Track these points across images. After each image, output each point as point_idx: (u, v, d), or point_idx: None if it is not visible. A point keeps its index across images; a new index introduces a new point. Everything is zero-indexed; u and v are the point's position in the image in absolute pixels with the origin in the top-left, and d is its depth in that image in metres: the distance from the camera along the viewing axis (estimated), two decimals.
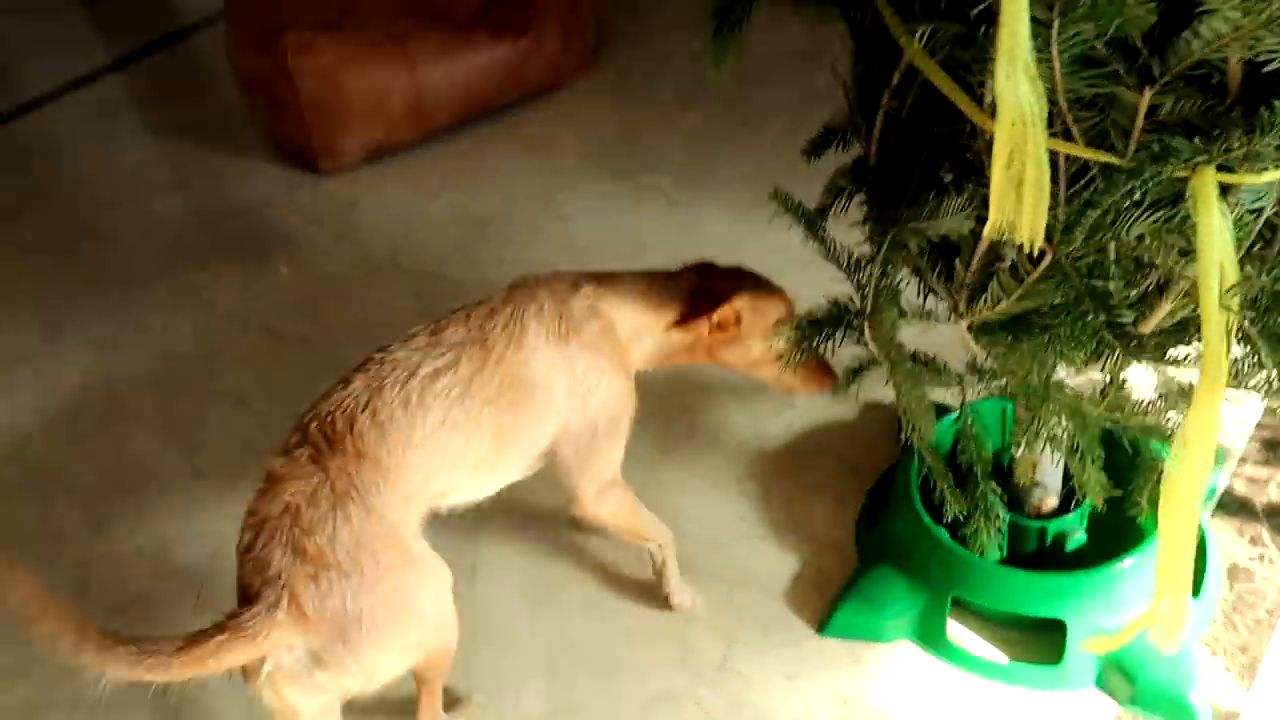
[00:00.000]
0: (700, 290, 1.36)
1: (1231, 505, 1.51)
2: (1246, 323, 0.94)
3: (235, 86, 3.09)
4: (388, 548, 1.16)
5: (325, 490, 1.15)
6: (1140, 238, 0.92)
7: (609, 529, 1.46)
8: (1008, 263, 1.01)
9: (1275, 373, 1.01)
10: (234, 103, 3.12)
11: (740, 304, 1.34)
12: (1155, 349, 1.05)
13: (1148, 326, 1.03)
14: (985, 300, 1.05)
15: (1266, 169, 0.82)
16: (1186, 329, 1.04)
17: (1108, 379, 1.09)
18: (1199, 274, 0.85)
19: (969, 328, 1.10)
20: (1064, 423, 1.08)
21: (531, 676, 1.49)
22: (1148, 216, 0.87)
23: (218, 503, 1.75)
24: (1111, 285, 0.96)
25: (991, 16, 0.76)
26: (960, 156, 0.97)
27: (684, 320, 1.35)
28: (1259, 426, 1.63)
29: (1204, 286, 0.86)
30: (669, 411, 1.91)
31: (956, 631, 1.42)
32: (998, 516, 1.26)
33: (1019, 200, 0.77)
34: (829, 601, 1.49)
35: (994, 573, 1.37)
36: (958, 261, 1.05)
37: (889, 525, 1.53)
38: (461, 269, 2.46)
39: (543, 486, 1.72)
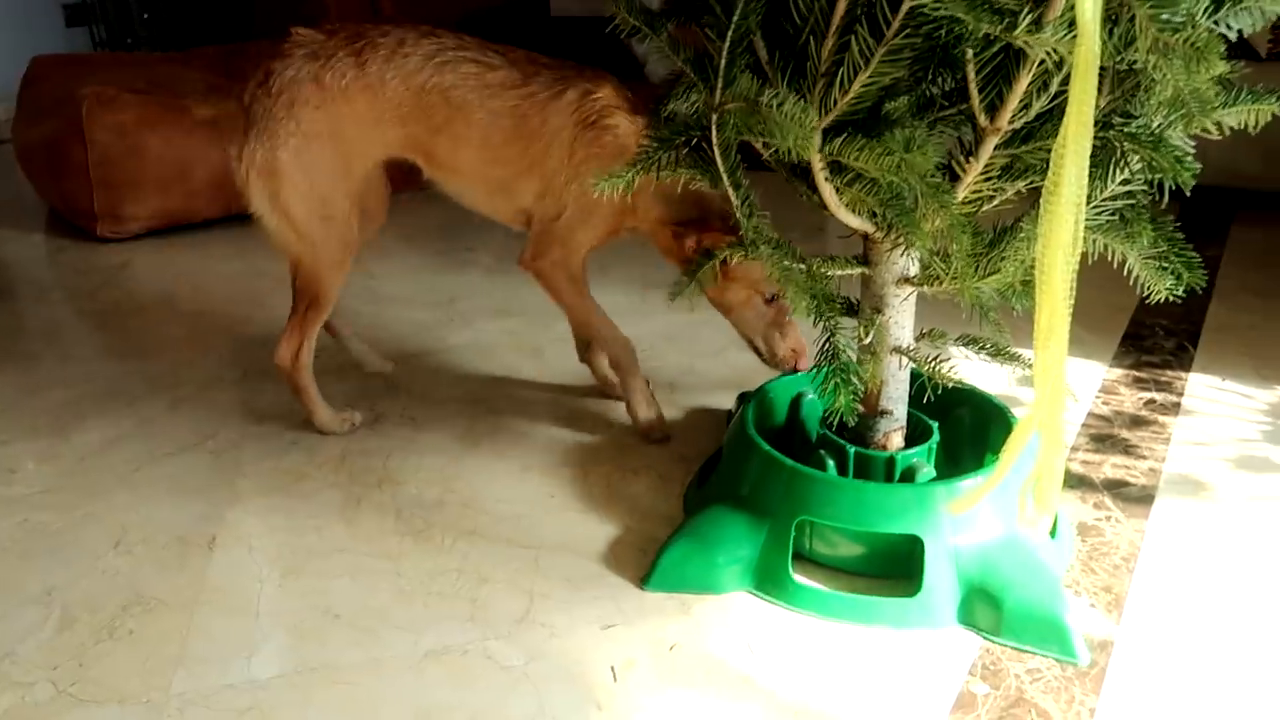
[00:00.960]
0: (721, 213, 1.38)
1: (1072, 480, 1.43)
2: None
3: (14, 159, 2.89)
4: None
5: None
6: None
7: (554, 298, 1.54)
8: (865, 30, 0.95)
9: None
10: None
11: (709, 240, 1.35)
12: (1008, 147, 0.99)
13: (1002, 118, 0.97)
14: (840, 83, 0.98)
15: None
16: (1041, 132, 0.99)
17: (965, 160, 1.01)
18: None
19: (824, 137, 1.01)
20: (933, 219, 0.98)
21: (270, 639, 1.15)
22: None
23: None
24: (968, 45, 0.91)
25: None
26: None
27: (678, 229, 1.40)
28: (1085, 425, 1.60)
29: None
30: (473, 414, 1.69)
31: (802, 575, 1.21)
32: (855, 376, 1.12)
33: None
34: (654, 557, 1.25)
35: (843, 487, 1.20)
36: (811, 45, 0.99)
37: (723, 470, 1.34)
38: (250, 309, 2.21)
39: (307, 460, 1.54)
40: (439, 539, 1.34)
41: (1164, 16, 0.76)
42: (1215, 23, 0.94)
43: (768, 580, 1.20)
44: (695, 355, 1.89)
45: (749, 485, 1.26)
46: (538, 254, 1.50)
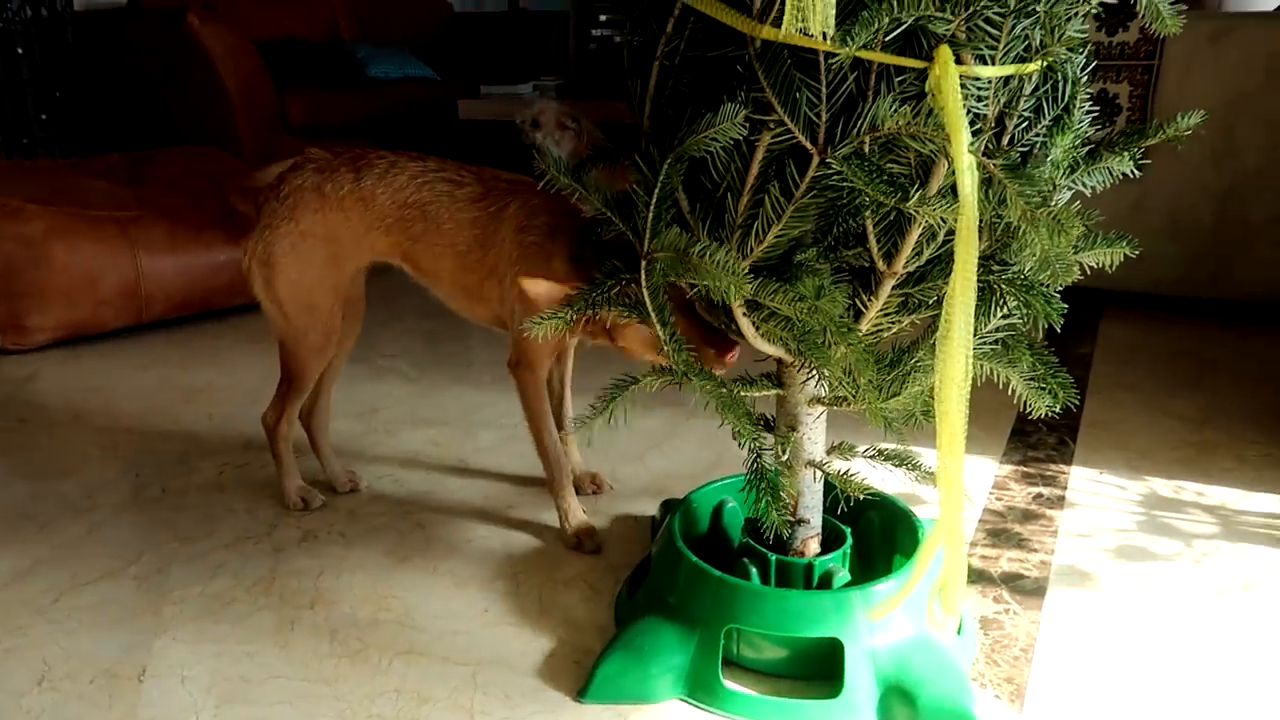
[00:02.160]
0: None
1: (973, 575, 1.54)
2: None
3: None
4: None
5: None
6: (889, 146, 1.02)
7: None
8: (777, 190, 1.07)
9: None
10: None
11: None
12: (903, 288, 1.11)
13: (898, 265, 1.10)
14: (755, 234, 1.09)
15: (992, 60, 0.96)
16: (932, 275, 1.12)
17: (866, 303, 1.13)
18: (953, 155, 0.95)
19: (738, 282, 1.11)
20: (840, 349, 1.09)
21: None
22: (902, 109, 0.97)
23: None
24: (866, 197, 1.03)
25: None
26: (733, 71, 1.05)
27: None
28: (981, 521, 1.72)
29: (959, 168, 0.95)
30: (403, 528, 1.72)
31: (731, 680, 1.27)
32: (782, 497, 1.21)
33: None
34: (590, 670, 1.30)
35: (768, 596, 1.28)
36: (729, 199, 1.10)
37: (653, 581, 1.41)
38: (164, 422, 2.20)
39: (236, 582, 1.54)
40: (376, 659, 1.36)
41: (1028, 192, 0.89)
42: (1072, 182, 1.10)
43: (700, 688, 1.26)
44: (616, 461, 1.97)
45: (678, 595, 1.33)
46: (512, 358, 1.64)
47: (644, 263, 1.11)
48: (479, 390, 2.38)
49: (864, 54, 0.94)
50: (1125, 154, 1.10)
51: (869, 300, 1.13)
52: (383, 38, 6.17)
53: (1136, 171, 1.10)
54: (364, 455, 2.03)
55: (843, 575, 1.35)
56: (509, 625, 1.44)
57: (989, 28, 0.94)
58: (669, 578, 1.36)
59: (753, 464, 1.23)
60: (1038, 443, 2.04)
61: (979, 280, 1.02)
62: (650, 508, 1.76)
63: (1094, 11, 1.02)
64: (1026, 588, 1.52)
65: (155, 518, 1.77)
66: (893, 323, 1.16)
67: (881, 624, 1.25)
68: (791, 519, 1.36)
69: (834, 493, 1.34)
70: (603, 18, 6.85)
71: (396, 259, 1.67)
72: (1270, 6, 2.99)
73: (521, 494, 1.84)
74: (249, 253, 1.65)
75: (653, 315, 1.14)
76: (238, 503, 1.82)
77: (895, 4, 0.87)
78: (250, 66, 4.79)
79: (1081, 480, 1.88)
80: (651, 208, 1.09)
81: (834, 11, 0.85)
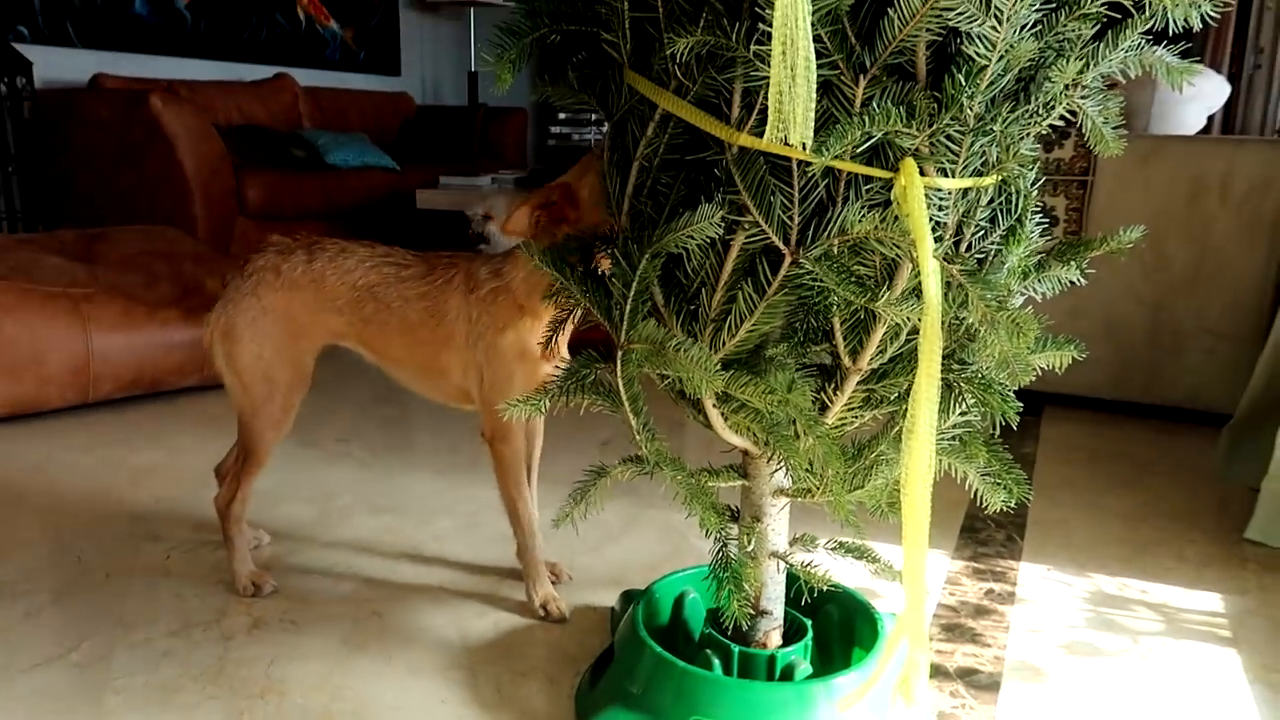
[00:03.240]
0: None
1: (930, 670, 1.56)
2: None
3: None
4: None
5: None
6: (856, 249, 1.08)
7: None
8: (750, 287, 1.11)
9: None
10: None
11: (569, 179, 1.50)
12: (867, 383, 1.16)
13: (863, 361, 1.15)
14: (728, 328, 1.13)
15: (953, 173, 1.03)
16: (894, 372, 1.17)
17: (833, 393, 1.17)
18: (919, 259, 1.01)
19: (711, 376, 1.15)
20: (807, 440, 1.12)
21: None
22: (869, 215, 1.04)
23: None
24: (834, 298, 1.09)
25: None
26: (710, 174, 1.11)
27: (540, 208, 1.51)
28: (936, 616, 1.75)
29: (924, 272, 1.01)
30: (358, 615, 1.69)
31: None
32: (745, 587, 1.22)
33: (792, 100, 0.90)
34: None
35: (731, 687, 1.28)
36: (703, 294, 1.14)
37: (615, 671, 1.40)
38: (108, 504, 2.14)
39: (183, 671, 1.46)
40: None
41: (988, 296, 0.95)
42: (1025, 288, 1.16)
43: None
44: (574, 552, 1.96)
45: (641, 685, 1.33)
46: (486, 431, 1.68)
47: (620, 353, 1.15)
48: (434, 476, 2.36)
49: (836, 163, 1.00)
50: (1072, 263, 1.17)
51: (834, 395, 1.17)
52: (343, 126, 6.27)
53: (1084, 280, 1.18)
54: (318, 541, 1.99)
55: (805, 668, 1.35)
56: (466, 716, 1.41)
57: (950, 144, 1.01)
58: (632, 668, 1.36)
59: (718, 554, 1.25)
60: (987, 539, 2.09)
61: (940, 378, 1.07)
62: (609, 598, 1.75)
63: (1043, 131, 1.10)
64: (981, 682, 1.54)
65: (98, 603, 1.72)
66: (856, 417, 1.21)
67: (842, 716, 1.26)
68: (753, 611, 1.37)
69: (795, 585, 1.36)
70: (561, 115, 7.04)
71: (352, 341, 1.73)
72: (1192, 130, 3.20)
73: (479, 582, 1.82)
74: (211, 325, 1.71)
75: (626, 405, 1.17)
76: (185, 588, 1.78)
77: (867, 119, 0.94)
78: (210, 149, 4.82)
79: (1030, 576, 1.93)
80: (629, 301, 1.13)
81: (813, 124, 0.91)
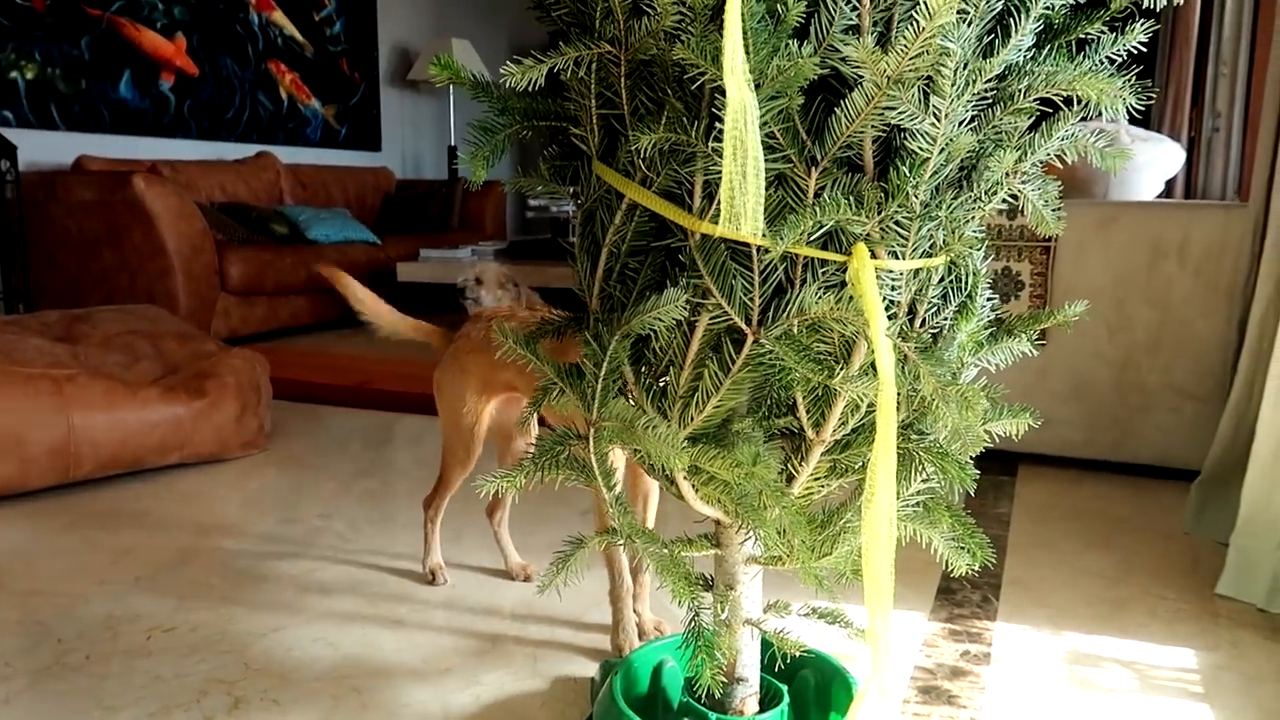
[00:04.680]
0: None
1: None
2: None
3: None
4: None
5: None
6: (815, 328, 1.13)
7: None
8: (715, 365, 1.17)
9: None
10: None
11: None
12: (831, 454, 1.21)
13: (826, 433, 1.20)
14: (696, 404, 1.18)
15: (903, 255, 1.09)
16: (857, 442, 1.22)
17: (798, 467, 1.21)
18: (872, 338, 1.06)
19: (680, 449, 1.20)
20: (774, 510, 1.16)
21: None
22: (826, 296, 1.09)
23: None
24: (796, 374, 1.14)
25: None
26: (676, 259, 1.17)
27: None
28: (913, 678, 1.77)
29: (877, 350, 1.06)
30: (338, 693, 1.70)
31: None
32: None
33: (744, 194, 0.96)
34: None
35: None
36: (671, 372, 1.19)
37: None
38: (88, 585, 2.15)
39: None
40: None
41: (939, 371, 1.01)
42: (978, 360, 1.22)
43: None
44: (555, 624, 1.98)
45: None
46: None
47: (591, 430, 1.19)
48: (415, 548, 2.38)
49: (792, 249, 1.06)
50: (1023, 335, 1.23)
51: (800, 465, 1.21)
52: (325, 202, 6.36)
53: (1035, 352, 1.23)
54: (298, 616, 2.00)
55: None
56: None
57: (899, 229, 1.07)
58: None
59: (691, 623, 1.27)
60: (963, 600, 2.12)
61: (899, 448, 1.12)
62: (589, 669, 1.77)
63: (996, 208, 1.16)
64: None
65: (78, 686, 1.72)
66: (822, 486, 1.25)
67: None
68: (727, 678, 1.39)
69: (770, 651, 1.39)
70: (539, 188, 7.15)
71: (524, 391, 1.97)
72: (1150, 196, 3.32)
73: (461, 655, 1.83)
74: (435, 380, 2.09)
75: (598, 478, 1.21)
76: (165, 669, 1.78)
77: (819, 209, 1.00)
78: (192, 227, 4.90)
79: (1006, 637, 1.95)
80: (600, 380, 1.17)
81: (763, 216, 0.97)
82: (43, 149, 5.06)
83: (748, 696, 1.41)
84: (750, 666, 1.41)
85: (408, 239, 6.07)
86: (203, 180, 5.56)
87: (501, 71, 1.09)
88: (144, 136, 5.63)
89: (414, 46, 7.74)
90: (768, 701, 1.44)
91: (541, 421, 2.01)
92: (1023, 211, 1.19)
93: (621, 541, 1.24)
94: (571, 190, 1.31)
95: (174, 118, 5.77)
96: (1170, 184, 4.82)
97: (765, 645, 1.42)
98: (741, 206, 0.96)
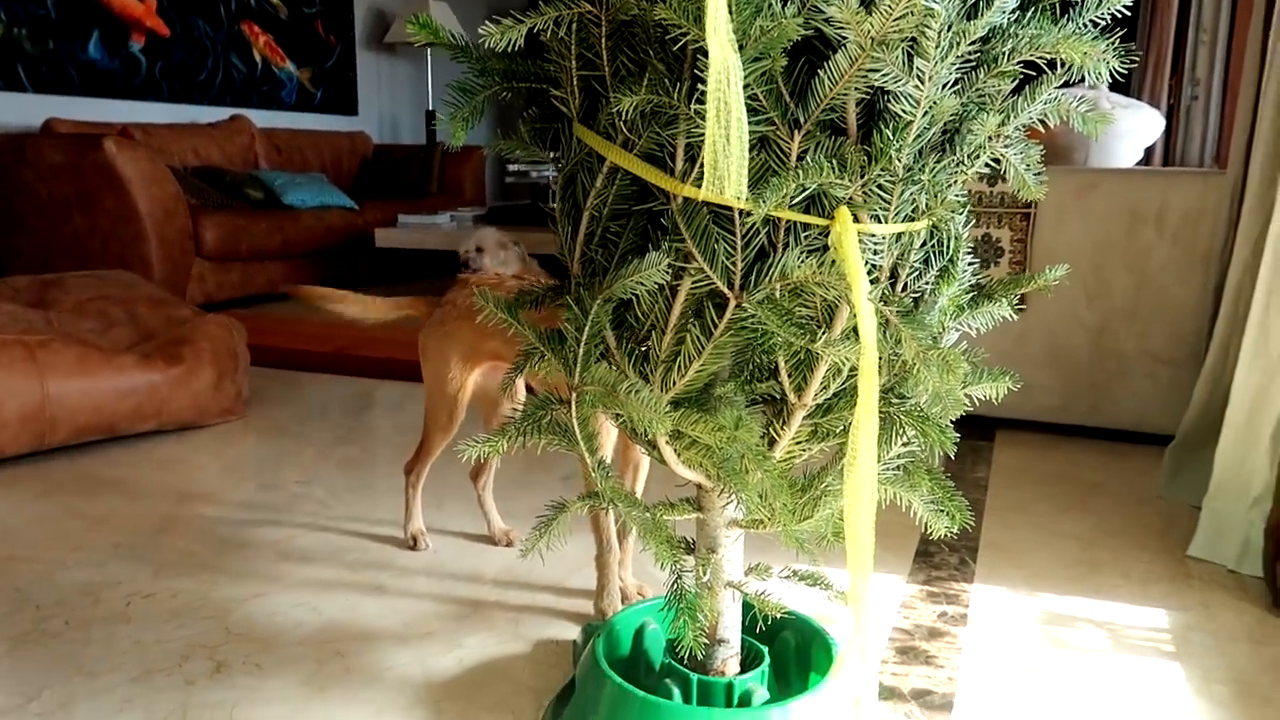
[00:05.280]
0: None
1: (884, 693, 1.60)
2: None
3: None
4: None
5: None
6: (798, 292, 1.13)
7: None
8: (698, 329, 1.16)
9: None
10: None
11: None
12: (813, 418, 1.21)
13: (807, 397, 1.20)
14: (678, 369, 1.18)
15: (885, 219, 1.09)
16: (838, 406, 1.22)
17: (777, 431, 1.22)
18: (854, 302, 1.06)
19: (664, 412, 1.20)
20: (756, 474, 1.17)
21: None
22: (808, 260, 1.09)
23: None
24: (777, 337, 1.14)
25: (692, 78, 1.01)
26: (657, 223, 1.16)
27: None
28: (891, 640, 1.80)
29: (859, 314, 1.06)
30: (320, 656, 1.70)
31: None
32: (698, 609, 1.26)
33: (727, 157, 0.95)
34: None
35: (691, 715, 1.31)
36: (653, 336, 1.19)
37: (577, 704, 1.42)
38: (65, 551, 2.13)
39: (145, 718, 1.46)
40: None
41: (920, 335, 1.01)
42: (959, 325, 1.22)
43: None
44: (538, 589, 1.99)
45: (603, 717, 1.35)
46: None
47: (574, 395, 1.19)
48: (396, 513, 2.38)
49: (774, 212, 1.05)
50: (1004, 300, 1.24)
51: (782, 429, 1.22)
52: (301, 167, 6.28)
53: (1014, 316, 1.24)
54: (279, 582, 2.00)
55: (761, 694, 1.39)
56: None
57: (881, 192, 1.07)
58: (594, 700, 1.39)
59: (674, 585, 1.28)
60: (941, 563, 2.14)
61: (880, 412, 1.13)
62: (571, 632, 1.78)
63: (977, 173, 1.16)
64: (935, 703, 1.58)
65: (58, 652, 1.71)
66: (804, 450, 1.25)
67: None
68: (709, 640, 1.41)
69: (751, 613, 1.40)
70: (519, 152, 7.09)
71: (508, 359, 1.98)
72: (1129, 163, 3.33)
73: (444, 620, 1.84)
74: (419, 344, 2.08)
75: (581, 443, 1.21)
76: (146, 634, 1.78)
77: (802, 172, 0.99)
78: (165, 192, 4.82)
79: (983, 598, 1.98)
80: (582, 344, 1.17)
81: (746, 179, 0.97)
82: (10, 110, 4.96)
83: (729, 658, 1.43)
84: (731, 628, 1.42)
85: (386, 204, 6.01)
86: (175, 144, 5.47)
87: (480, 32, 1.07)
88: (114, 99, 5.53)
89: (390, 8, 7.62)
90: (749, 663, 1.45)
91: (530, 390, 2.02)
92: (1004, 177, 1.19)
93: (605, 505, 1.25)
94: (552, 154, 1.30)
95: (145, 80, 5.67)
96: (1149, 151, 4.84)
97: (746, 607, 1.44)
98: (725, 170, 0.95)
